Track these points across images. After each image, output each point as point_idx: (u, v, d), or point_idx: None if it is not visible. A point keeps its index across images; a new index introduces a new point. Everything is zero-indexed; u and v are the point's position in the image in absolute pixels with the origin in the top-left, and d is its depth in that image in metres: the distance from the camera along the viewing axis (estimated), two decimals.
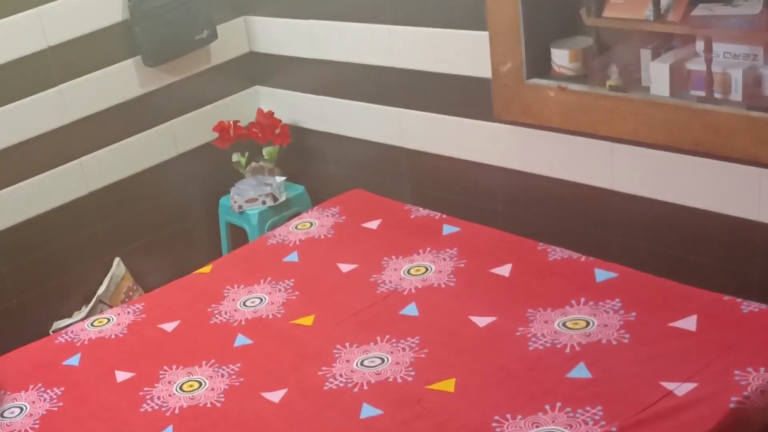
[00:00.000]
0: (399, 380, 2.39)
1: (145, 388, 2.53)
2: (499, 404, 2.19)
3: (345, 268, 2.94)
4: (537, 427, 2.08)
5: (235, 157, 3.71)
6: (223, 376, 2.54)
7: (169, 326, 2.83)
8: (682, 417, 2.03)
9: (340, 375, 2.45)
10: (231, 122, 3.68)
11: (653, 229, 2.74)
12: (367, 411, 2.30)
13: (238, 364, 2.57)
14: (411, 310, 2.65)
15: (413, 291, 2.73)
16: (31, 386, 2.62)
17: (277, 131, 3.69)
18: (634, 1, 2.54)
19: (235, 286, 2.98)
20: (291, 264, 3.06)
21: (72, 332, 2.88)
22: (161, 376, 2.58)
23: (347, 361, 2.51)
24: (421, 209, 3.21)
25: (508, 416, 2.14)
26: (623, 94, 2.62)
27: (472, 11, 2.89)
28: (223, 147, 3.68)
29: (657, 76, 2.56)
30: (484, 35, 2.87)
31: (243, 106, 3.84)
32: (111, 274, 3.57)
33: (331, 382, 2.43)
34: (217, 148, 3.70)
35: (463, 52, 3.00)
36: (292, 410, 2.36)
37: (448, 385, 2.30)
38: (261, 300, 2.88)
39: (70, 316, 3.51)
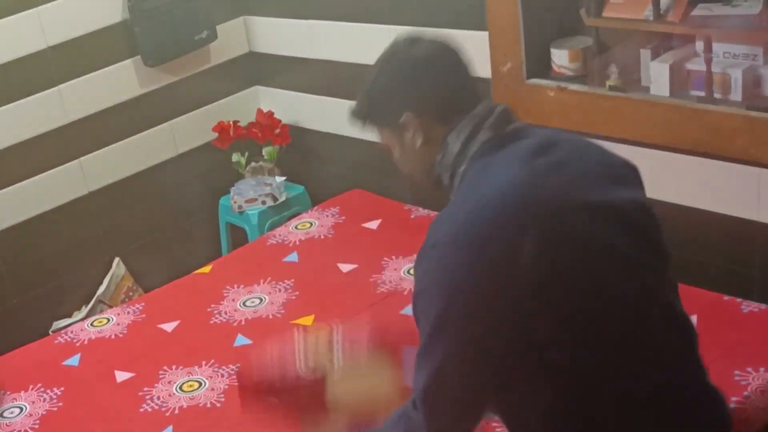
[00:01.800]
0: None
1: (145, 388, 2.53)
2: None
3: (345, 268, 2.94)
4: None
5: (235, 157, 3.71)
6: (223, 376, 2.54)
7: (169, 326, 2.83)
8: None
9: None
10: (231, 122, 3.68)
11: None
12: None
13: (238, 364, 2.57)
14: (411, 310, 2.64)
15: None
16: (31, 386, 2.62)
17: (277, 131, 3.69)
18: (634, 1, 2.54)
19: (235, 286, 2.98)
20: (291, 264, 3.06)
21: (72, 332, 2.88)
22: (161, 376, 2.58)
23: None
24: (421, 209, 3.21)
25: None
26: (623, 94, 2.62)
27: (472, 11, 2.89)
28: (223, 147, 3.68)
29: (657, 76, 2.56)
30: (483, 35, 2.87)
31: (243, 106, 3.84)
32: (111, 274, 3.57)
33: None
34: (217, 148, 3.69)
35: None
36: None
37: None
38: (261, 300, 2.88)
39: (70, 316, 3.51)
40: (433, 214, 3.13)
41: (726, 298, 2.42)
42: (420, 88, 1.64)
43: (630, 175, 1.73)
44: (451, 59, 1.67)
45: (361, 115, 1.73)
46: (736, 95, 2.41)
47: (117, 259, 3.61)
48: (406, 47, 1.68)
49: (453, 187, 1.64)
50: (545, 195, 1.52)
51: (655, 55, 2.58)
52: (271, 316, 2.78)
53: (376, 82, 1.68)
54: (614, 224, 1.57)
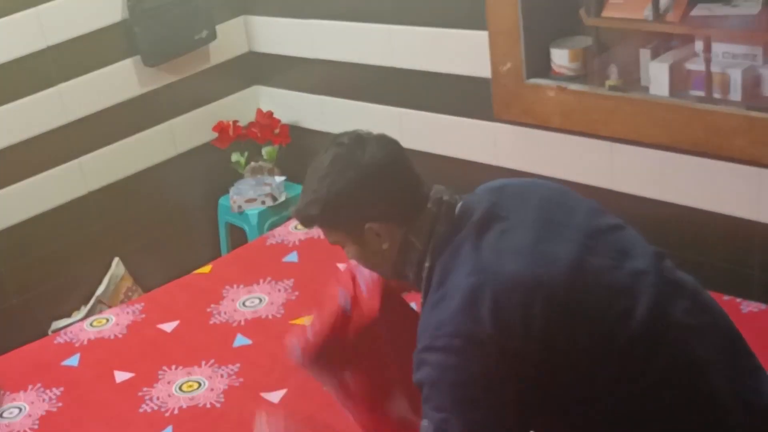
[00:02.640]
0: None
1: (145, 389, 2.53)
2: None
3: (345, 267, 2.93)
4: None
5: (235, 157, 3.71)
6: (222, 376, 2.54)
7: (168, 326, 2.82)
8: None
9: None
10: (230, 122, 3.68)
11: (653, 229, 2.73)
12: None
13: (238, 365, 2.57)
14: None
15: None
16: (30, 386, 2.62)
17: (277, 131, 3.69)
18: (634, 1, 2.54)
19: (235, 286, 2.98)
20: (290, 264, 3.05)
21: (71, 332, 2.88)
22: (160, 377, 2.58)
23: None
24: None
25: None
26: (623, 94, 2.62)
27: (472, 11, 2.89)
28: (223, 147, 3.68)
29: (656, 76, 2.56)
30: (483, 35, 2.87)
31: (242, 106, 3.84)
32: (110, 274, 3.57)
33: None
34: (217, 148, 3.69)
35: (463, 52, 3.00)
36: (292, 410, 2.36)
37: None
38: (260, 300, 2.88)
39: (69, 316, 3.51)
40: None
41: (726, 297, 2.42)
42: (379, 198, 1.69)
43: (556, 190, 1.81)
44: (398, 158, 1.73)
45: (313, 220, 1.74)
46: (736, 95, 2.41)
47: (116, 259, 3.61)
48: (355, 153, 1.69)
49: (420, 281, 1.70)
50: (503, 272, 1.58)
51: (655, 55, 2.58)
52: (270, 316, 2.78)
53: (330, 193, 1.68)
54: (587, 249, 1.64)
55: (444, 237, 1.67)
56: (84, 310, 3.49)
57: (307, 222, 1.75)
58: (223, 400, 2.44)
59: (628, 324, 1.58)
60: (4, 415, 2.51)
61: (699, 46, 2.48)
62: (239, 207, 3.64)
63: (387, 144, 1.74)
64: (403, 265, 1.73)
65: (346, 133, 1.75)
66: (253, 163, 3.74)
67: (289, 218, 3.55)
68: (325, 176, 1.68)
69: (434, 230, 1.68)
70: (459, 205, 1.71)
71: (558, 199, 1.76)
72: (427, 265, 1.68)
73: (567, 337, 1.56)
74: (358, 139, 1.71)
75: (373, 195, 1.68)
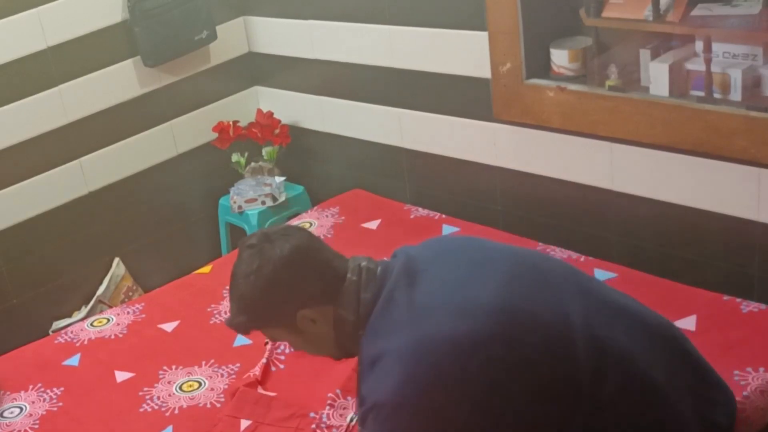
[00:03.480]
0: None
1: (145, 388, 2.54)
2: None
3: None
4: None
5: (235, 158, 3.71)
6: (222, 376, 2.54)
7: (168, 326, 2.83)
8: None
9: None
10: (230, 122, 3.68)
11: (653, 229, 2.74)
12: None
13: (238, 364, 2.58)
14: None
15: None
16: (31, 386, 2.62)
17: (277, 131, 3.69)
18: (634, 1, 2.54)
19: None
20: None
21: (72, 332, 2.88)
22: (161, 376, 2.58)
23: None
24: (420, 209, 3.21)
25: None
26: (622, 94, 2.62)
27: (472, 11, 2.89)
28: (223, 147, 3.68)
29: (656, 76, 2.56)
30: (483, 35, 2.87)
31: (242, 107, 3.84)
32: (111, 274, 3.57)
33: None
34: (217, 148, 3.70)
35: (462, 52, 3.00)
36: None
37: None
38: None
39: (69, 316, 3.51)
40: (434, 214, 3.13)
41: (726, 298, 2.42)
42: (301, 283, 1.73)
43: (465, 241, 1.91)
44: (308, 242, 1.78)
45: (247, 326, 1.80)
46: (736, 95, 2.41)
47: (117, 259, 3.61)
48: (265, 250, 1.74)
49: (360, 348, 1.74)
50: (428, 330, 1.63)
51: (655, 55, 2.58)
52: None
53: (255, 293, 1.73)
54: (512, 285, 1.68)
55: (370, 302, 1.72)
56: (84, 310, 3.50)
57: (242, 329, 1.81)
58: (223, 399, 2.44)
59: (565, 356, 1.60)
60: (5, 414, 2.52)
61: (699, 46, 2.48)
62: (239, 207, 3.64)
63: (294, 232, 1.79)
64: (343, 340, 1.77)
65: (253, 235, 1.81)
66: (253, 164, 3.74)
67: (289, 218, 3.56)
68: (245, 278, 1.74)
69: (360, 299, 1.73)
70: (379, 268, 1.77)
71: (475, 244, 1.83)
72: (360, 333, 1.73)
73: (506, 380, 1.58)
74: (265, 236, 1.77)
75: (294, 282, 1.73)
